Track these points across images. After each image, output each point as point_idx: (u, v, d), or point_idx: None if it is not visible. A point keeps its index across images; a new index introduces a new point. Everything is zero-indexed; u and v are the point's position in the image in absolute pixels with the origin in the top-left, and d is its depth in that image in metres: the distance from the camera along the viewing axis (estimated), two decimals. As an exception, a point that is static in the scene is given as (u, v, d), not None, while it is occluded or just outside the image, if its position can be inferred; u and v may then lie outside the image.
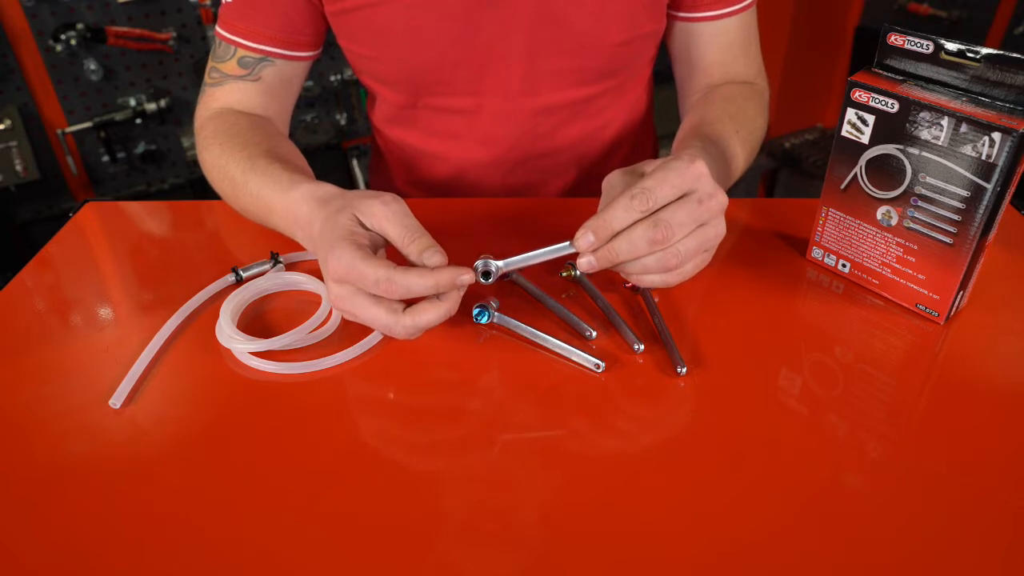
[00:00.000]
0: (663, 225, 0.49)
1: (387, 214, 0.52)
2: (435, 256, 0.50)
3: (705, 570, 0.41)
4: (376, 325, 0.51)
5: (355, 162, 2.15)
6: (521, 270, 0.62)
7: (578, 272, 0.62)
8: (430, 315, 0.50)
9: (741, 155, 0.70)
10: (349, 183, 2.17)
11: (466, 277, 0.50)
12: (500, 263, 0.53)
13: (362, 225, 0.52)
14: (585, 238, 0.49)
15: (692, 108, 0.78)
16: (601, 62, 0.77)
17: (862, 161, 0.58)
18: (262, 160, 0.64)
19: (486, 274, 0.53)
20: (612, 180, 0.54)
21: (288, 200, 0.58)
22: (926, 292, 0.58)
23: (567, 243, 0.51)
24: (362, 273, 0.49)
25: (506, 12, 0.71)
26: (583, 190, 0.88)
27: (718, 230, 0.52)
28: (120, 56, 1.80)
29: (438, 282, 0.49)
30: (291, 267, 0.66)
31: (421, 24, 0.71)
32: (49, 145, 1.83)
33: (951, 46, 0.54)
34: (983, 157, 0.51)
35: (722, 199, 0.51)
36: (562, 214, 0.75)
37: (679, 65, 0.84)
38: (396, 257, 0.52)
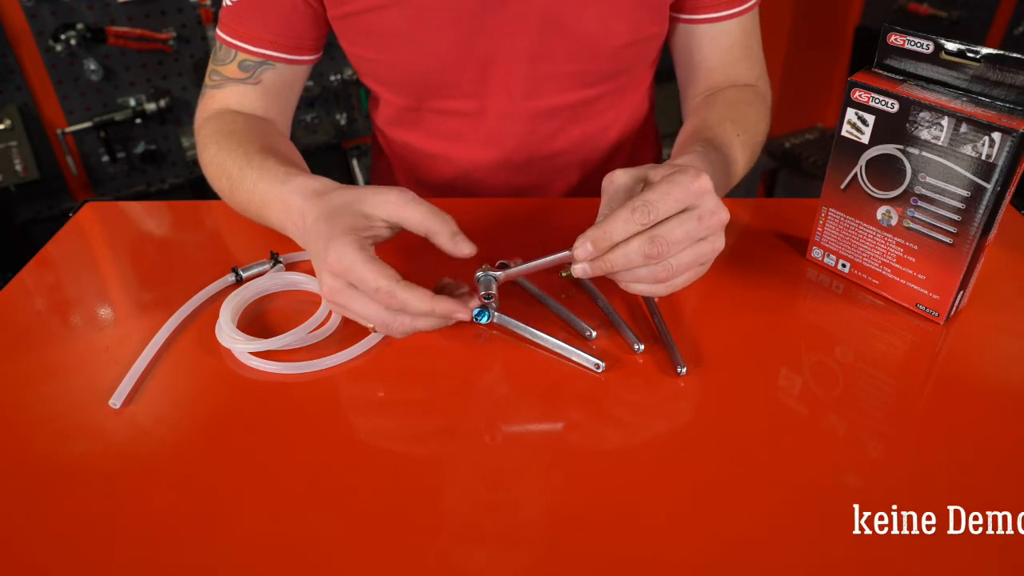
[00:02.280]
0: (659, 241, 0.49)
1: (403, 201, 0.52)
2: (466, 245, 0.52)
3: (705, 569, 0.41)
4: (372, 320, 0.51)
5: (355, 162, 2.15)
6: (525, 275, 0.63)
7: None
8: (427, 323, 0.51)
9: (742, 159, 0.70)
10: (349, 183, 2.17)
11: (461, 315, 0.51)
12: (500, 274, 0.54)
13: (364, 221, 0.52)
14: (584, 248, 0.50)
15: (694, 111, 0.78)
16: (604, 65, 0.77)
17: (862, 161, 0.58)
18: (258, 156, 0.64)
19: (483, 310, 0.54)
20: (615, 180, 0.54)
21: (282, 192, 0.58)
22: (926, 292, 0.58)
23: (566, 252, 0.52)
24: (362, 277, 0.49)
25: (510, 15, 0.71)
26: (586, 191, 0.88)
27: (715, 246, 0.52)
28: (120, 56, 1.80)
29: (434, 309, 0.50)
30: (291, 267, 0.66)
31: (425, 27, 0.71)
32: (49, 145, 1.83)
33: (951, 46, 0.54)
34: (983, 157, 0.51)
35: (723, 216, 0.51)
36: (565, 214, 0.75)
37: (681, 67, 0.84)
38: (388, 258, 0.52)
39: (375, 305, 0.50)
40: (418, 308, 0.49)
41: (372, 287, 0.49)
